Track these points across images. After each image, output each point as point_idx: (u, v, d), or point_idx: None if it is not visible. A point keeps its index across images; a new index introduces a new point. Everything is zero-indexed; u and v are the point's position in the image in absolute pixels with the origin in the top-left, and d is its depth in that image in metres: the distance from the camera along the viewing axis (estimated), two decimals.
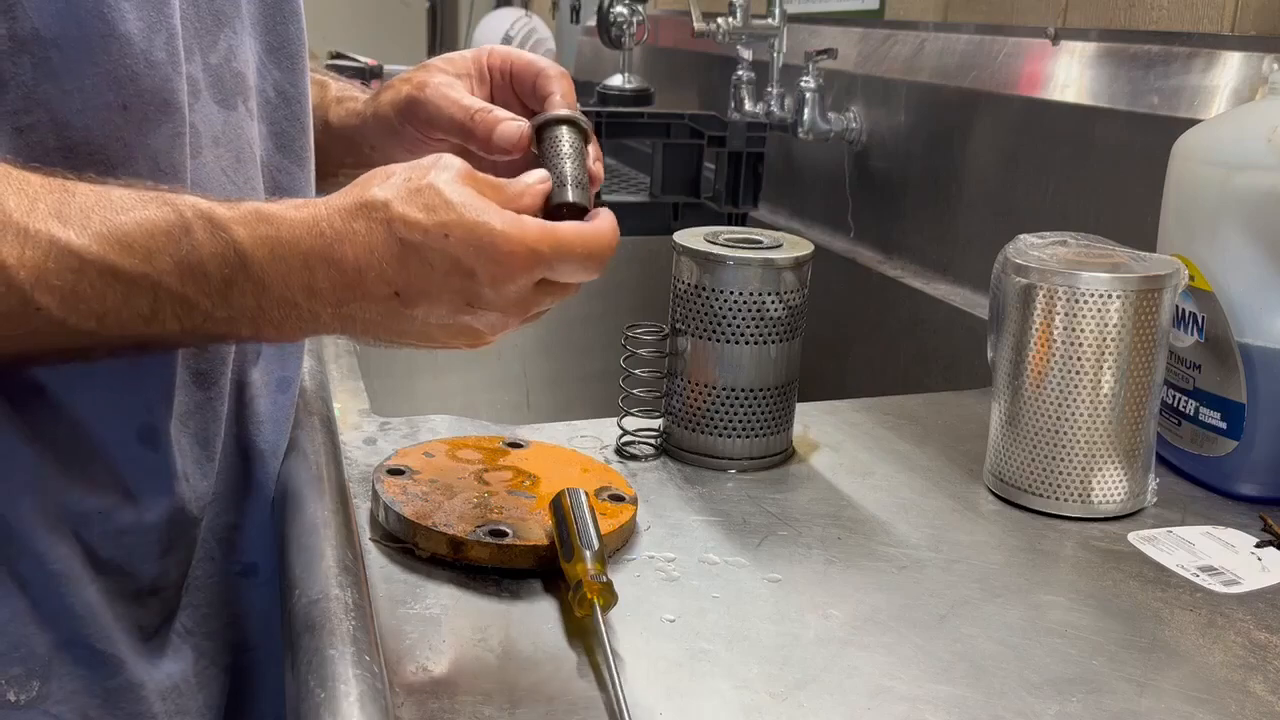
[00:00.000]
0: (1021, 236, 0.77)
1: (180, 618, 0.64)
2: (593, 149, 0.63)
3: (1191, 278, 0.76)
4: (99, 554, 0.58)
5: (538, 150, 0.62)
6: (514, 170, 0.59)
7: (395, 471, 0.69)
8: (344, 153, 0.77)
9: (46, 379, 0.55)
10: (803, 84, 1.41)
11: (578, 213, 0.58)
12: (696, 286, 0.77)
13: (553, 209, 0.58)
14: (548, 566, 0.61)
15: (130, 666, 0.59)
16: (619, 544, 0.66)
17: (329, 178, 0.76)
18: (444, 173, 0.53)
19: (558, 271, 0.53)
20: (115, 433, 0.58)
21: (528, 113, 0.68)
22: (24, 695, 0.55)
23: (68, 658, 0.57)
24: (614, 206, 1.60)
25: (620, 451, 0.80)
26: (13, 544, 0.55)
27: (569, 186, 0.59)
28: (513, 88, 0.71)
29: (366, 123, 0.75)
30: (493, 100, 0.70)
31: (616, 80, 1.88)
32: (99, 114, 0.53)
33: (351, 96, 0.79)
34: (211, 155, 0.60)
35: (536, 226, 0.52)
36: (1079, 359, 0.71)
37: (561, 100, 0.67)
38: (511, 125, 0.64)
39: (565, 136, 0.62)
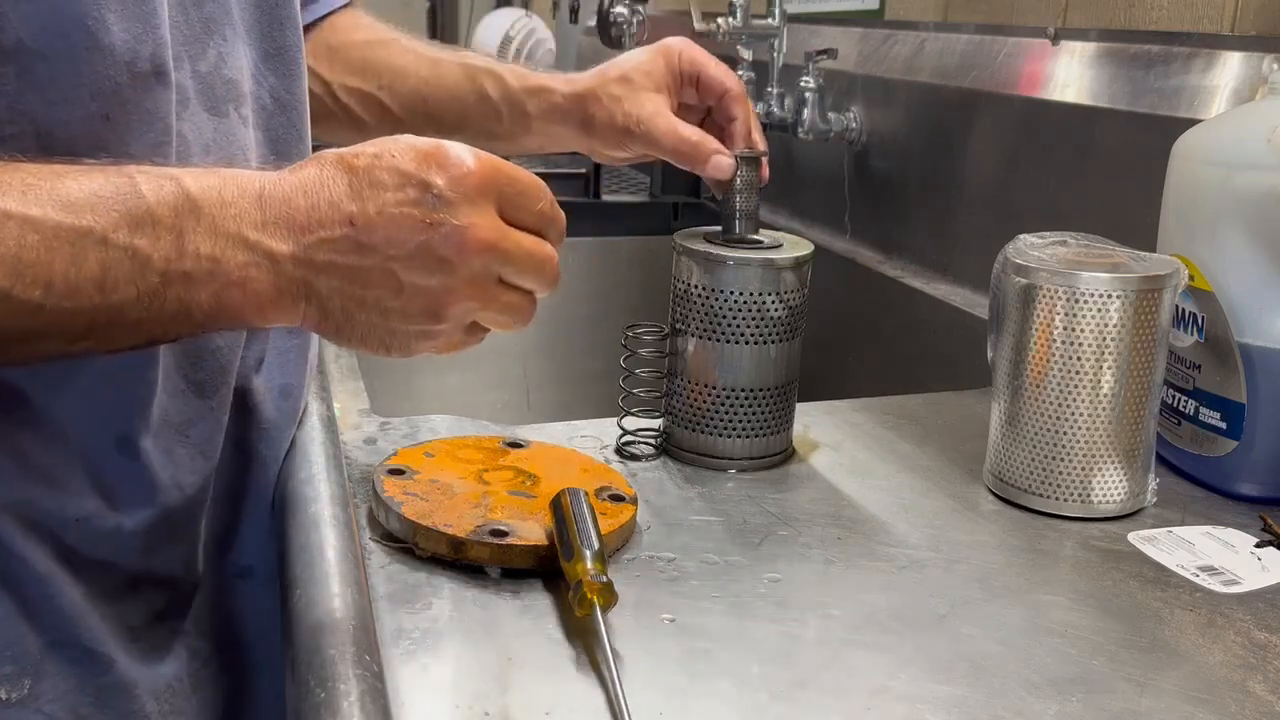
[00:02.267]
0: (1021, 236, 0.77)
1: (172, 618, 0.64)
2: (764, 168, 0.81)
3: (1191, 278, 0.76)
4: (80, 553, 0.58)
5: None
6: None
7: (395, 471, 0.69)
8: (540, 138, 0.85)
9: (27, 386, 0.55)
10: (803, 84, 1.41)
11: (749, 243, 0.78)
12: (696, 286, 0.77)
13: (728, 240, 0.78)
14: (548, 566, 0.61)
15: (121, 665, 0.59)
16: (619, 544, 0.66)
17: None
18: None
19: (515, 196, 0.53)
20: (92, 442, 0.58)
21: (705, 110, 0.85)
22: (15, 693, 0.56)
23: (59, 656, 0.57)
24: (614, 206, 1.60)
25: (620, 451, 0.80)
26: (4, 545, 0.55)
27: (738, 219, 0.79)
28: (697, 91, 0.84)
29: (577, 130, 0.83)
30: (678, 99, 0.84)
31: None
32: (82, 124, 0.52)
33: (543, 87, 0.85)
34: (201, 162, 0.60)
35: (487, 158, 0.53)
36: (1079, 359, 0.71)
37: (741, 127, 0.82)
38: (726, 161, 0.79)
39: (744, 173, 0.80)
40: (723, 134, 0.83)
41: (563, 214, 0.57)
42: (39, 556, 0.56)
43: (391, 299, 0.52)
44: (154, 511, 0.61)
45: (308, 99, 0.70)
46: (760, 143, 0.83)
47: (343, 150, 0.53)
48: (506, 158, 0.55)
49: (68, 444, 0.57)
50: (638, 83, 0.82)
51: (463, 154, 0.52)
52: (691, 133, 0.80)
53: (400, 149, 0.52)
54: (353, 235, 0.51)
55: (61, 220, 0.47)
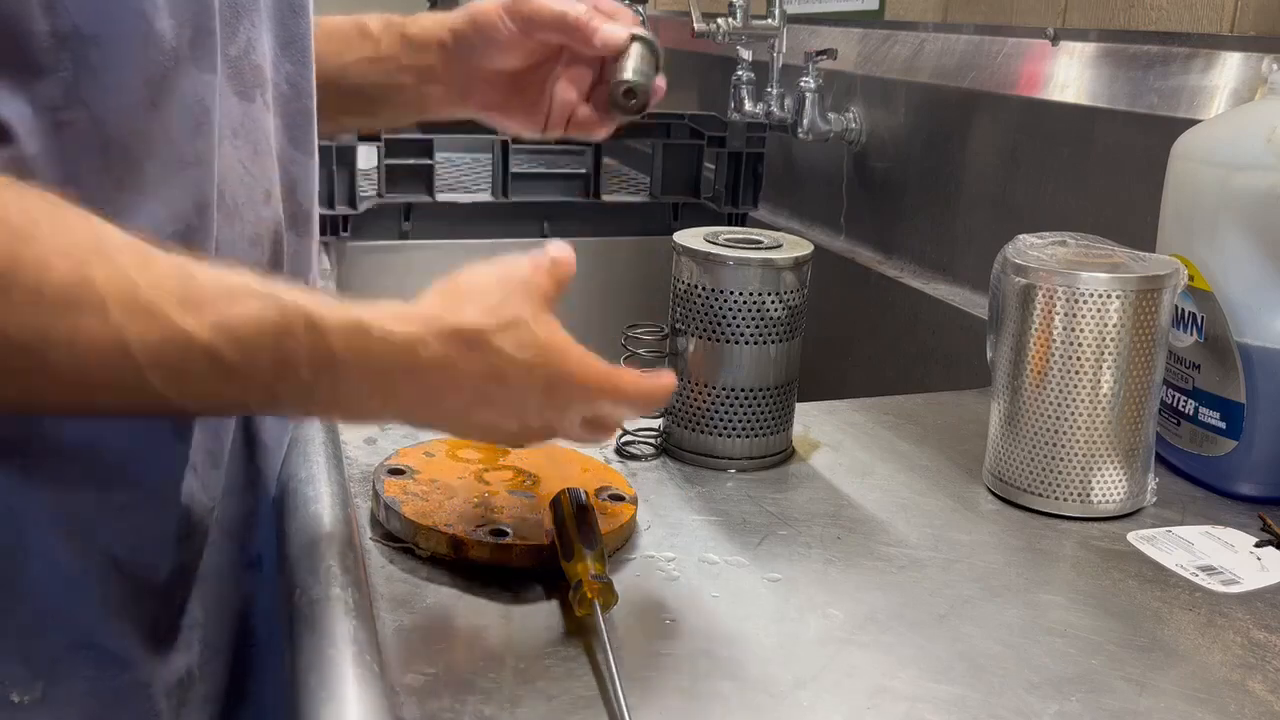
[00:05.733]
0: (1021, 236, 0.77)
1: (190, 610, 0.65)
2: (659, 57, 0.75)
3: (1191, 278, 0.76)
4: (116, 554, 0.58)
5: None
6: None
7: (396, 471, 0.69)
8: (418, 57, 0.80)
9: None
10: (803, 84, 1.41)
11: (637, 95, 0.73)
12: (696, 286, 0.77)
13: (614, 87, 0.73)
14: (548, 566, 0.61)
15: (138, 664, 0.59)
16: (619, 544, 0.66)
17: (394, 107, 0.82)
18: (529, 305, 0.54)
19: (610, 409, 0.57)
20: (129, 430, 0.58)
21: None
22: (27, 696, 0.55)
23: (76, 658, 0.57)
24: (614, 206, 1.60)
25: (620, 451, 0.80)
26: (26, 548, 0.55)
27: (630, 72, 0.73)
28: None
29: (457, 30, 0.79)
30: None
31: None
32: (133, 110, 0.53)
33: (414, 20, 0.82)
34: (230, 147, 0.61)
35: (602, 371, 0.55)
36: (1078, 359, 0.71)
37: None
38: (616, 31, 0.74)
39: (637, 47, 0.74)
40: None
41: (620, 391, 0.57)
42: (73, 556, 0.56)
43: (457, 434, 0.59)
44: (184, 501, 0.61)
45: (315, 84, 0.71)
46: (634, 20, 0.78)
47: (491, 342, 0.53)
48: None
49: (105, 433, 0.57)
50: None
51: (579, 384, 0.55)
52: (581, 7, 0.75)
53: (539, 365, 0.54)
54: (462, 414, 0.55)
55: (225, 354, 0.49)
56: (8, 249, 0.45)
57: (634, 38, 0.74)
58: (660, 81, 0.75)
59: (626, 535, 0.67)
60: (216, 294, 0.49)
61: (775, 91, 1.49)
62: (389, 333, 0.51)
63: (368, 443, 0.79)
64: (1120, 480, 0.73)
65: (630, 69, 0.73)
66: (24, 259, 0.45)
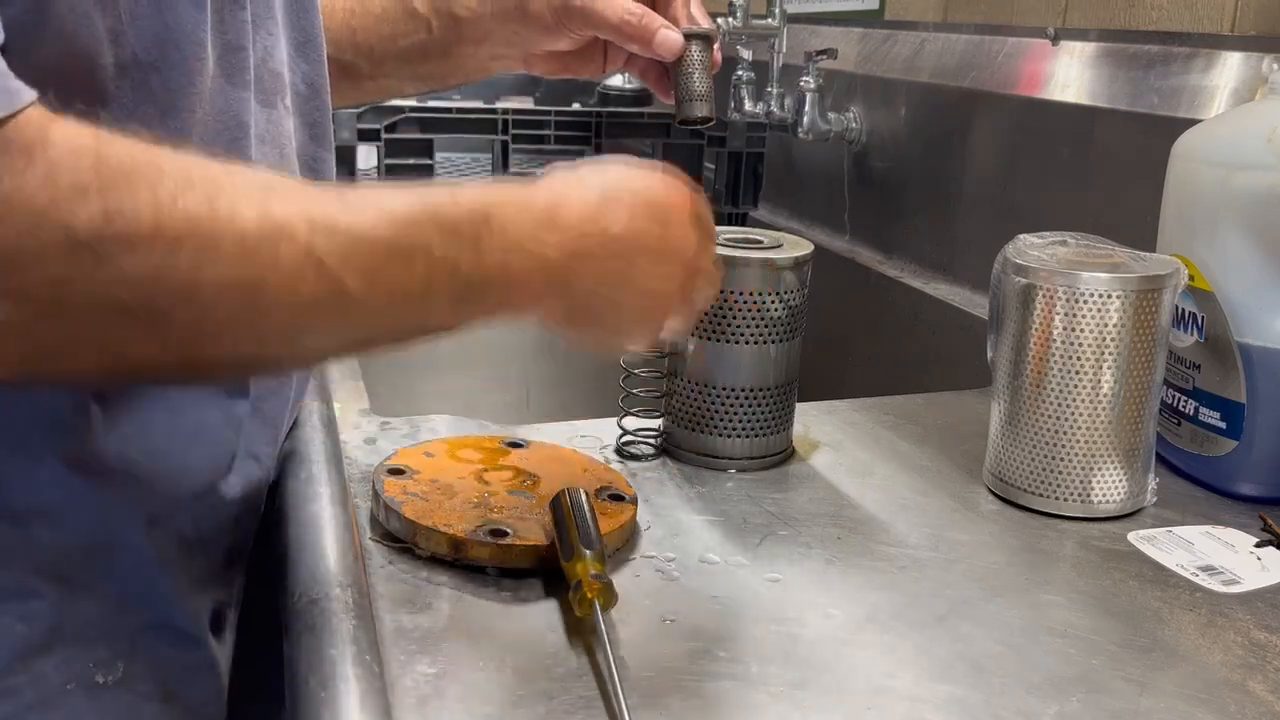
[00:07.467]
0: (1021, 236, 0.77)
1: (240, 592, 0.67)
2: (716, 53, 0.77)
3: (1191, 278, 0.76)
4: (190, 537, 0.61)
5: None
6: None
7: (395, 471, 0.69)
8: (476, 43, 0.82)
9: (142, 393, 0.58)
10: (803, 84, 1.41)
11: (706, 123, 0.76)
12: None
13: (680, 112, 0.76)
14: (548, 566, 0.61)
15: (206, 643, 0.62)
16: (619, 544, 0.66)
17: (447, 78, 0.85)
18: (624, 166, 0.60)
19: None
20: (195, 423, 0.61)
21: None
22: (110, 677, 0.58)
23: (152, 639, 0.59)
24: None
25: (620, 451, 0.80)
26: (113, 542, 0.57)
27: (697, 102, 0.76)
28: None
29: (512, 17, 0.80)
30: None
31: (616, 80, 1.88)
32: (182, 131, 0.55)
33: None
34: (259, 154, 0.62)
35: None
36: (1079, 359, 0.71)
37: (681, 8, 0.78)
38: (673, 36, 0.75)
39: (695, 54, 0.76)
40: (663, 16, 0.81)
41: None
42: (152, 546, 0.58)
43: (627, 302, 0.58)
44: (244, 484, 0.64)
45: (329, 79, 0.72)
46: (703, 20, 0.79)
47: (608, 173, 0.59)
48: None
49: (181, 425, 0.60)
50: None
51: (677, 200, 0.63)
52: (635, 7, 0.77)
53: (641, 196, 0.59)
54: (610, 244, 0.57)
55: (399, 237, 0.51)
56: (207, 207, 0.46)
57: (689, 37, 0.76)
58: (717, 55, 0.77)
59: (626, 535, 0.67)
60: (367, 196, 0.52)
61: (775, 91, 1.49)
62: (519, 185, 0.55)
63: (367, 443, 0.79)
64: (1120, 480, 0.73)
65: (695, 92, 0.75)
66: (221, 212, 0.47)
